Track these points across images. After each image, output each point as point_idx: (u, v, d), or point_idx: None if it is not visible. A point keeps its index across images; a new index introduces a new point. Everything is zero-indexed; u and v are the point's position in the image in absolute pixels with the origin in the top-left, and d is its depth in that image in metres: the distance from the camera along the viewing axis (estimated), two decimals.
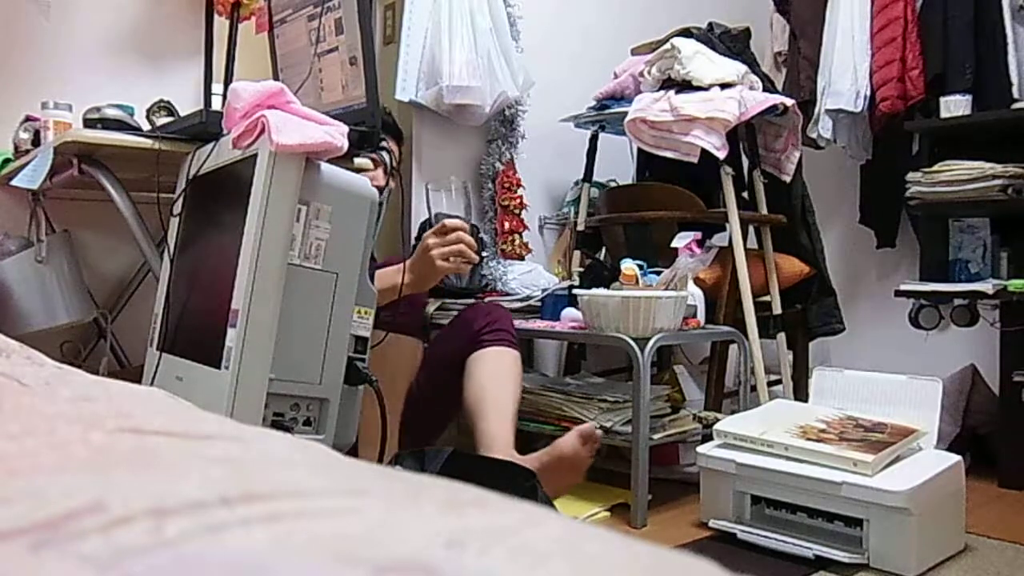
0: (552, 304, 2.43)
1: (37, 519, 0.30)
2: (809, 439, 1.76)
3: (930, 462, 1.73)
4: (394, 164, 1.76)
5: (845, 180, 3.23)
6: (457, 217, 1.80)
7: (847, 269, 3.31)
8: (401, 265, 1.74)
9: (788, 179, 2.62)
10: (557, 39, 3.06)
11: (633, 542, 0.32)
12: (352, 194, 1.46)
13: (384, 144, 1.70)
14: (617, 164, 2.96)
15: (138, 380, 1.48)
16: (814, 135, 2.90)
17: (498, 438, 1.75)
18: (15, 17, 2.21)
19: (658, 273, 2.18)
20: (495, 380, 1.87)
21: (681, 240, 2.16)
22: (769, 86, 2.69)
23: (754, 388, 2.34)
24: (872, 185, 3.16)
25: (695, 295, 2.21)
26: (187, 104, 2.15)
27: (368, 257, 1.50)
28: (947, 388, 2.12)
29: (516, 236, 2.80)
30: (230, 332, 1.33)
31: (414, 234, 2.54)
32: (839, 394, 2.05)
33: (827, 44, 2.89)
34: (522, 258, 2.80)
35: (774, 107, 2.42)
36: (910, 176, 2.57)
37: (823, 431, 1.81)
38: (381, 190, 1.66)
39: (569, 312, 2.28)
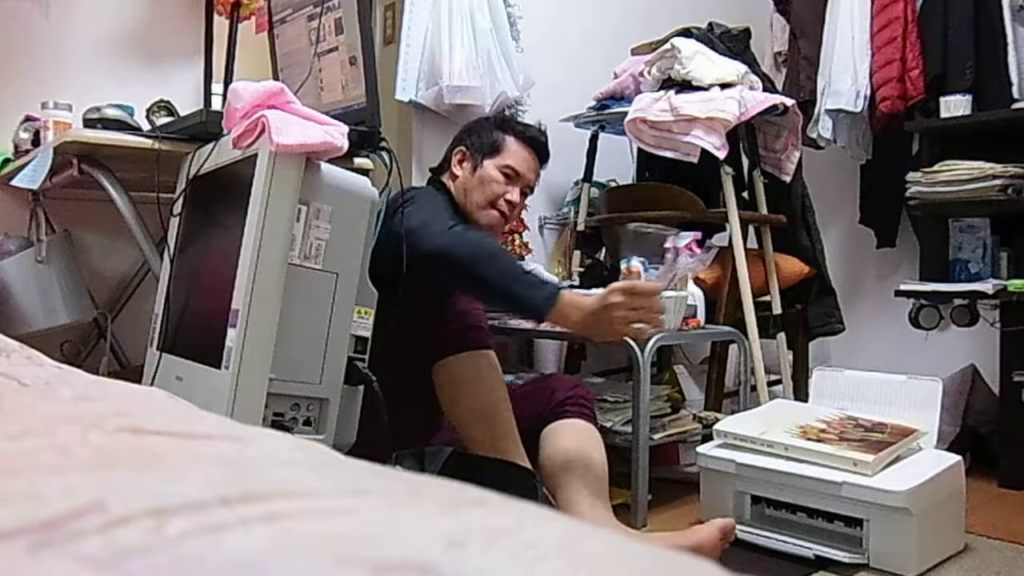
0: None
1: (37, 519, 0.30)
2: (809, 439, 1.76)
3: (930, 462, 1.73)
4: (396, 165, 1.72)
5: (845, 180, 3.23)
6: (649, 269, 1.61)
7: (847, 269, 3.31)
8: (586, 302, 1.53)
9: (788, 179, 2.62)
10: (557, 39, 3.06)
11: (633, 542, 0.32)
12: (352, 194, 1.46)
13: (384, 144, 1.69)
14: (617, 164, 2.95)
15: (138, 380, 1.48)
16: (814, 135, 2.90)
17: (596, 512, 1.63)
18: (15, 17, 2.21)
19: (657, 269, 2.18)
20: (584, 453, 1.71)
21: (681, 240, 2.16)
22: (769, 86, 2.69)
23: (754, 388, 2.33)
24: (872, 185, 3.16)
25: (695, 295, 2.21)
26: (187, 104, 2.15)
27: (368, 257, 1.50)
28: (947, 388, 2.12)
29: (516, 236, 2.80)
30: (230, 332, 1.33)
31: None
32: (839, 394, 2.05)
33: (827, 44, 2.89)
34: (522, 258, 2.80)
35: (774, 107, 2.42)
36: (910, 176, 2.57)
37: (823, 431, 1.81)
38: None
39: None
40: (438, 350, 1.67)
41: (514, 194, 1.91)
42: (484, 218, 1.90)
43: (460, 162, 1.94)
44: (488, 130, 1.95)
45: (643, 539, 1.46)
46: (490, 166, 1.90)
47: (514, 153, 1.92)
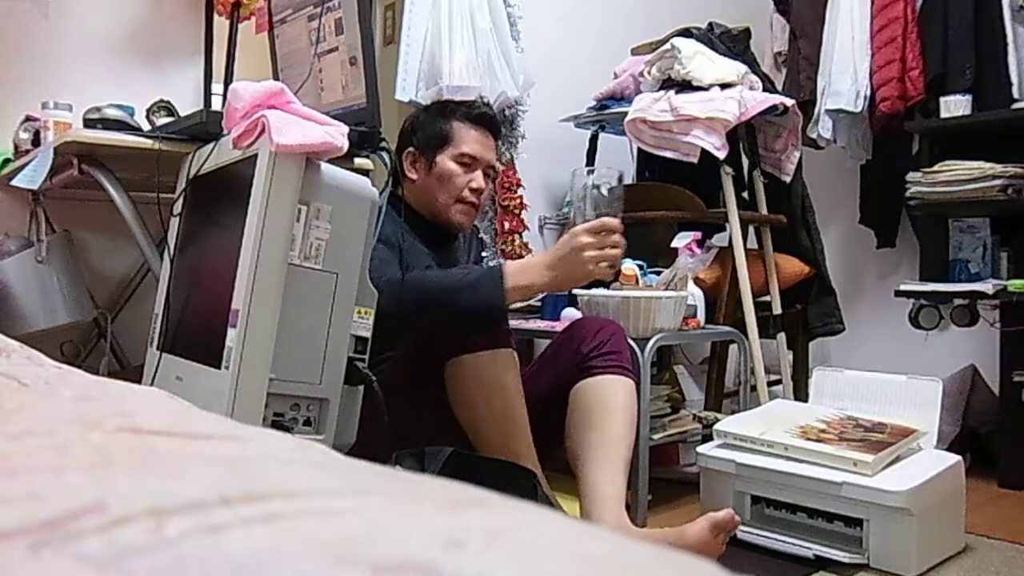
0: (552, 304, 2.43)
1: (37, 519, 0.30)
2: (809, 439, 1.76)
3: (930, 462, 1.73)
4: (396, 165, 1.71)
5: (845, 180, 3.23)
6: (610, 215, 1.54)
7: (847, 269, 3.31)
8: (538, 260, 1.55)
9: (788, 179, 2.62)
10: (557, 39, 3.06)
11: (633, 542, 0.32)
12: (352, 194, 1.46)
13: (384, 145, 1.69)
14: (617, 164, 2.95)
15: (138, 380, 1.48)
16: (814, 135, 2.90)
17: (607, 495, 1.54)
18: (15, 17, 2.21)
19: (658, 273, 2.18)
20: (605, 419, 1.62)
21: (681, 240, 2.16)
22: (769, 86, 2.69)
23: (754, 388, 2.34)
24: (872, 185, 3.17)
25: (695, 295, 2.21)
26: (187, 104, 2.15)
27: (368, 257, 1.49)
28: (947, 388, 2.12)
29: (516, 236, 2.80)
30: (230, 332, 1.33)
31: None
32: (839, 394, 2.05)
33: (827, 44, 2.89)
34: (522, 258, 2.80)
35: (774, 107, 2.43)
36: (910, 176, 2.57)
37: (823, 431, 1.81)
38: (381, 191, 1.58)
39: (569, 312, 2.28)
40: (453, 347, 1.57)
41: (478, 179, 1.81)
42: (456, 215, 1.81)
43: (412, 164, 1.82)
44: (431, 122, 1.83)
45: (635, 535, 1.46)
46: (444, 159, 1.78)
47: (465, 138, 1.80)
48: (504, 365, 1.58)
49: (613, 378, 1.67)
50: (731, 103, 2.29)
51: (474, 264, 2.09)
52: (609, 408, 1.64)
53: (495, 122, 1.90)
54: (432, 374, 1.65)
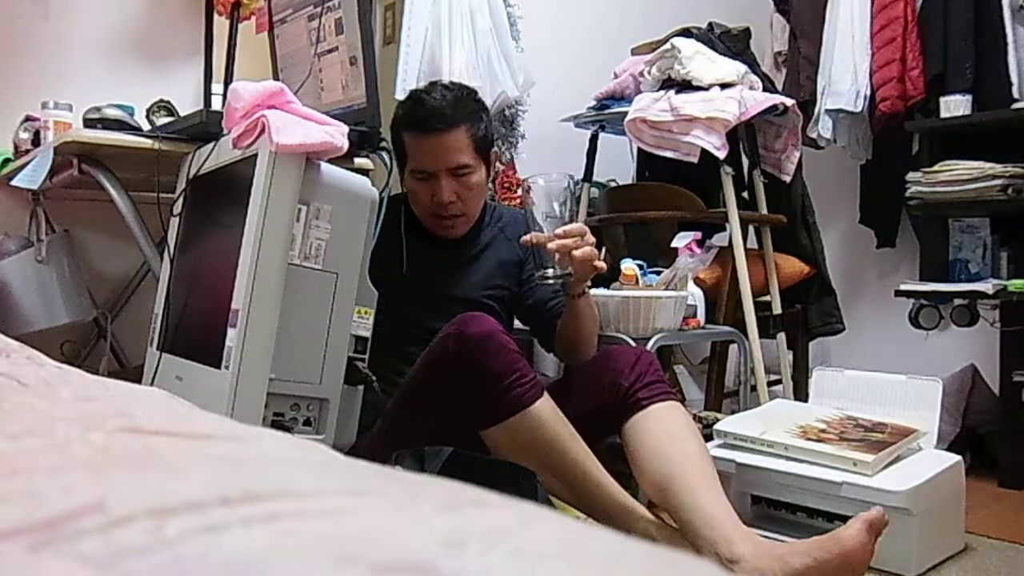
0: None
1: (37, 519, 0.30)
2: (809, 439, 1.76)
3: (930, 462, 1.73)
4: (395, 164, 1.70)
5: (845, 180, 3.23)
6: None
7: (847, 269, 3.31)
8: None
9: (788, 179, 2.62)
10: (557, 39, 3.06)
11: (633, 542, 0.32)
12: (352, 194, 1.46)
13: (384, 145, 1.69)
14: (617, 164, 2.95)
15: (138, 380, 1.48)
16: (814, 135, 2.90)
17: (722, 518, 1.40)
18: (15, 17, 2.21)
19: (658, 273, 2.18)
20: (679, 445, 1.50)
21: (681, 240, 2.16)
22: (769, 86, 2.69)
23: (754, 388, 2.33)
24: (872, 185, 3.17)
25: (695, 295, 2.21)
26: (187, 104, 2.15)
27: (368, 257, 1.49)
28: (947, 388, 2.12)
29: None
30: (230, 332, 1.33)
31: None
32: (839, 394, 2.05)
33: (827, 44, 2.89)
34: None
35: (774, 107, 2.42)
36: (910, 176, 2.57)
37: (823, 431, 1.81)
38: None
39: None
40: (482, 419, 1.49)
41: (438, 192, 1.65)
42: (437, 229, 1.74)
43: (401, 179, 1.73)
44: (395, 134, 1.73)
45: (778, 548, 1.35)
46: (408, 178, 1.71)
47: (414, 150, 1.68)
48: (537, 422, 1.48)
49: (665, 405, 1.57)
50: (731, 103, 2.29)
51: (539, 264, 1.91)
52: (676, 434, 1.53)
53: (436, 116, 1.64)
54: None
